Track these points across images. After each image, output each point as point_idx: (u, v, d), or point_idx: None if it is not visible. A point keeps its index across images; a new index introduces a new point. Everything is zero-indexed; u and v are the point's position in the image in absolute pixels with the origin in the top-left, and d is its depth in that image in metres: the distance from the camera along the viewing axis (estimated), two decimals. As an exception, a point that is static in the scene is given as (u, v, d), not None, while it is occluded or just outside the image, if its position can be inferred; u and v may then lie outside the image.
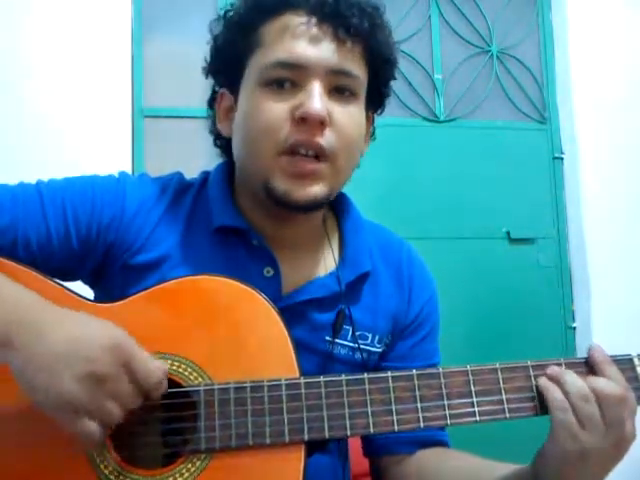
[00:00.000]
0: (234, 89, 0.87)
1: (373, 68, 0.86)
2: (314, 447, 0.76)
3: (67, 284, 0.80)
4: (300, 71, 0.80)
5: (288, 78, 0.80)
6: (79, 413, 0.64)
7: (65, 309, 0.70)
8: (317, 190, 0.81)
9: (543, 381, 0.76)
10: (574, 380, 0.74)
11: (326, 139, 0.80)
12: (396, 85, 0.99)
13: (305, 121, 0.78)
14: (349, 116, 0.83)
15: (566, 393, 0.73)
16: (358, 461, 1.01)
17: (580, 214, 2.86)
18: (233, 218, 0.86)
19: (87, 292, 0.86)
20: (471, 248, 2.80)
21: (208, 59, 0.91)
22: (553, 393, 0.74)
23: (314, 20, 0.81)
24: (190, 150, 2.51)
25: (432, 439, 0.93)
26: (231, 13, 0.87)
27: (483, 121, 2.91)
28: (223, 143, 0.94)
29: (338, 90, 0.82)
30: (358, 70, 0.83)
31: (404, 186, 2.76)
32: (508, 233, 2.85)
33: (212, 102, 0.93)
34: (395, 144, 2.71)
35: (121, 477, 0.69)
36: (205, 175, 0.94)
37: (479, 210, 2.82)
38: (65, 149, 2.31)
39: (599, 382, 0.73)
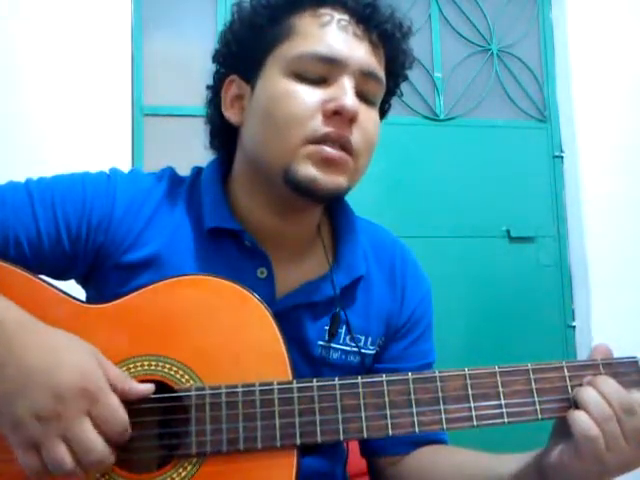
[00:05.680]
0: (249, 76, 0.85)
1: (390, 77, 0.87)
2: (308, 450, 0.75)
3: (60, 284, 0.79)
4: (335, 67, 0.80)
5: (321, 72, 0.80)
6: (25, 444, 0.63)
7: (46, 327, 0.68)
8: (342, 181, 0.81)
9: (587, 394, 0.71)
10: (618, 392, 0.70)
11: (353, 136, 0.80)
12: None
13: (337, 115, 0.78)
14: (372, 119, 0.84)
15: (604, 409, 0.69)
16: (355, 461, 1.00)
17: (580, 213, 2.85)
18: (225, 219, 0.85)
19: (80, 292, 0.86)
20: (471, 246, 2.79)
21: (219, 44, 0.89)
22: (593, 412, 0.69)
23: (353, 20, 0.81)
24: (190, 148, 2.49)
25: (429, 438, 0.92)
26: (258, 1, 0.84)
27: (483, 119, 2.90)
28: (223, 132, 0.91)
29: (362, 94, 0.82)
30: (383, 76, 0.85)
31: (404, 185, 2.76)
32: (508, 231, 2.84)
33: (216, 88, 0.90)
34: (395, 143, 2.71)
35: None
36: (197, 171, 0.92)
37: (479, 208, 2.82)
38: (65, 147, 2.31)
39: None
